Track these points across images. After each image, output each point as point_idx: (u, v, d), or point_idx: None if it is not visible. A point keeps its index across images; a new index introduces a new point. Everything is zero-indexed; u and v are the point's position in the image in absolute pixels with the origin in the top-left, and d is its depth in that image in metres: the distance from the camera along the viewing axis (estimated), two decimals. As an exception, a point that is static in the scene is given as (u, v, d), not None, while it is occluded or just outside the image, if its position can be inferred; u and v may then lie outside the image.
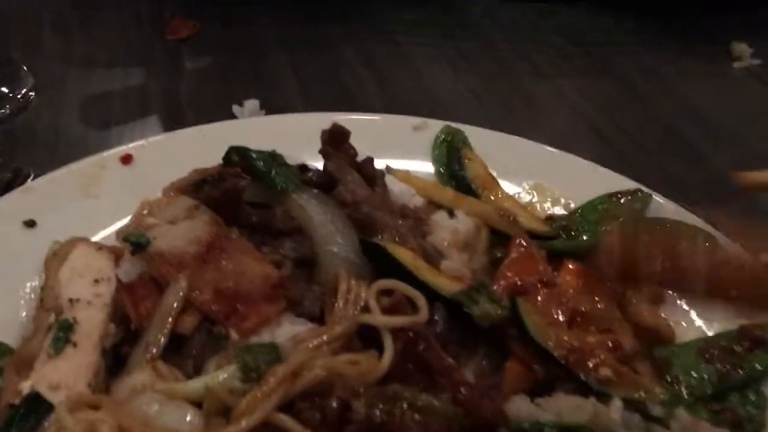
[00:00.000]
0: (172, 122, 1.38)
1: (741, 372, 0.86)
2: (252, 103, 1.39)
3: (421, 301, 0.79)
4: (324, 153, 0.96)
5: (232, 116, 1.38)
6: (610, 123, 1.47)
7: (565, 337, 0.83)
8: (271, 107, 1.41)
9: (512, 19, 1.83)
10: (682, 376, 0.85)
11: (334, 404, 0.66)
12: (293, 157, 1.07)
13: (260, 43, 1.66)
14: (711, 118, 1.50)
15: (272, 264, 0.88)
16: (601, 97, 1.55)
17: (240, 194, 0.93)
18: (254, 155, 0.97)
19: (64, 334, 0.78)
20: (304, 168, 0.98)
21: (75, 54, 1.56)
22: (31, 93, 1.42)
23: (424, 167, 1.14)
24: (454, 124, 1.18)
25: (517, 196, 1.09)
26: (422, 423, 0.65)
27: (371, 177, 0.98)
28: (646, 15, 1.85)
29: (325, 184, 0.96)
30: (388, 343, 0.74)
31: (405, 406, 0.66)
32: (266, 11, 1.75)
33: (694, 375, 0.85)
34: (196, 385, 0.71)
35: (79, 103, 1.42)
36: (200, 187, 1.00)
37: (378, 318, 0.76)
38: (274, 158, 0.96)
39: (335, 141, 0.96)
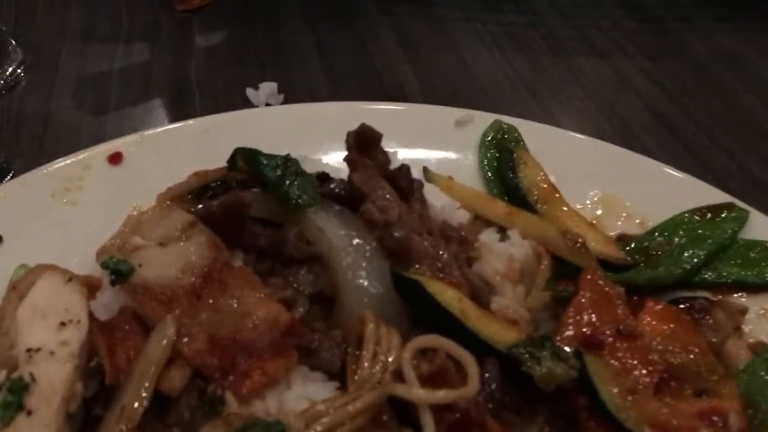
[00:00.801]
0: (179, 108, 1.21)
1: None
2: (269, 86, 1.21)
3: (471, 365, 0.62)
4: (350, 162, 0.77)
5: (246, 101, 1.21)
6: (682, 113, 1.26)
7: (653, 409, 0.65)
8: (290, 90, 1.23)
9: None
10: None
11: None
12: (312, 158, 0.89)
13: (281, 15, 1.47)
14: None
15: (283, 302, 0.71)
16: (670, 82, 1.34)
17: (245, 210, 0.75)
18: (264, 161, 0.78)
19: (16, 397, 0.61)
20: (324, 177, 0.80)
21: (71, 26, 1.39)
22: (19, 70, 1.26)
23: (469, 171, 0.95)
24: (505, 118, 0.99)
25: (580, 209, 0.91)
26: None
27: (407, 189, 0.79)
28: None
29: (350, 198, 0.77)
30: (429, 425, 0.56)
31: None
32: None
33: None
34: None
35: (74, 84, 1.25)
36: (202, 196, 0.83)
37: (415, 392, 0.58)
38: (288, 165, 0.78)
39: (364, 146, 0.78)
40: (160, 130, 0.96)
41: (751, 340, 0.77)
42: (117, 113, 1.20)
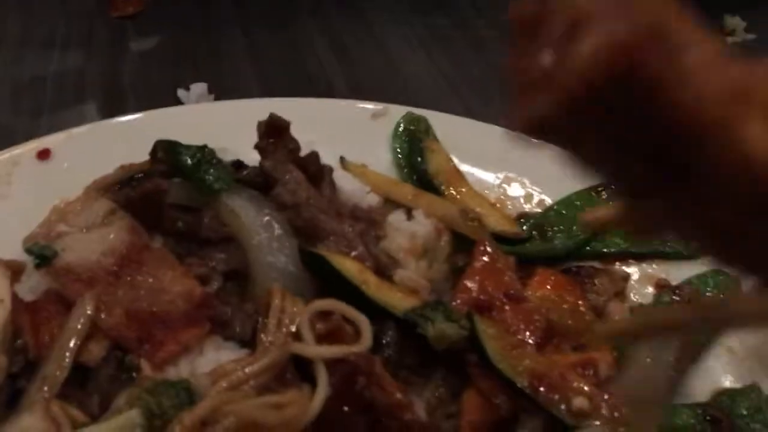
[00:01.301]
0: (112, 109, 1.25)
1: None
2: (199, 87, 1.26)
3: (364, 324, 0.68)
4: (260, 149, 0.84)
5: (178, 102, 1.26)
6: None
7: (533, 361, 0.71)
8: (221, 92, 1.29)
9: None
10: None
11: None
12: (235, 151, 0.95)
13: (216, 20, 1.52)
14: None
15: (198, 279, 0.76)
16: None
17: (162, 196, 0.81)
18: (181, 150, 0.84)
19: (-59, 368, 0.66)
20: (239, 165, 0.86)
21: (8, 31, 1.43)
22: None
23: (383, 160, 1.02)
24: (416, 110, 1.06)
25: (486, 192, 0.98)
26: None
27: (316, 174, 0.86)
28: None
29: (263, 183, 0.83)
30: (322, 380, 0.62)
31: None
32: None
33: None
34: (86, 436, 0.59)
35: (9, 88, 1.29)
36: (126, 186, 0.89)
37: (309, 348, 0.64)
38: (204, 154, 0.84)
39: (274, 134, 0.84)
40: (87, 126, 1.01)
41: (632, 304, 0.85)
42: (51, 116, 1.24)
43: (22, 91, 1.29)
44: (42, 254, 0.77)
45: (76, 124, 1.21)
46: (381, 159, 1.02)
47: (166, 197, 0.82)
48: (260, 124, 0.84)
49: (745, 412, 0.72)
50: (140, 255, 0.77)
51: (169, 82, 1.30)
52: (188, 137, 0.89)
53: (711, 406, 0.73)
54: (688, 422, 0.71)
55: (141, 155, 0.91)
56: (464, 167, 1.00)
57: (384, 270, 0.81)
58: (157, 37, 1.45)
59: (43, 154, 0.95)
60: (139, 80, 1.33)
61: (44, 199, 0.90)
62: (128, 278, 0.75)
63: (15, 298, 0.75)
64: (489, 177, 0.99)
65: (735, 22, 1.55)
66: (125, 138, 0.99)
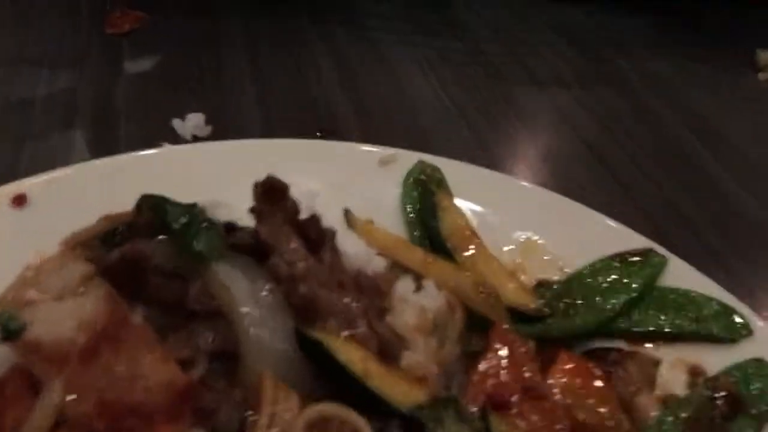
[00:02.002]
0: (103, 137, 1.18)
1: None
2: (195, 118, 1.18)
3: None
4: (257, 213, 0.75)
5: (172, 132, 1.17)
6: (613, 144, 1.27)
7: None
8: (220, 121, 1.20)
9: (503, 16, 1.62)
10: None
11: None
12: (225, 203, 0.87)
13: (216, 39, 1.44)
14: (731, 140, 1.29)
15: (180, 362, 0.68)
16: (603, 110, 1.34)
17: (145, 263, 0.72)
18: (169, 209, 0.76)
19: None
20: (232, 227, 0.78)
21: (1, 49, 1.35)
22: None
23: (391, 213, 0.93)
24: (428, 157, 0.98)
25: (503, 251, 0.89)
26: None
27: (317, 240, 0.77)
28: (658, 14, 1.64)
29: (258, 248, 0.75)
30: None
31: None
32: (226, 2, 1.53)
33: None
34: None
35: (-4, 111, 1.21)
36: (109, 241, 0.81)
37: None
38: (194, 214, 0.75)
39: (271, 196, 0.75)
40: (68, 170, 0.92)
41: (662, 393, 0.77)
42: (37, 143, 1.16)
43: (8, 115, 1.21)
44: (7, 327, 0.68)
45: (62, 153, 1.14)
46: (389, 210, 0.94)
47: (149, 262, 0.73)
48: (257, 186, 0.75)
49: (756, 387, 0.68)
50: (118, 331, 0.69)
51: (165, 107, 1.23)
52: (179, 183, 0.82)
53: (721, 380, 0.68)
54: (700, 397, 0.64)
55: (126, 200, 0.83)
56: (479, 224, 0.91)
57: (389, 350, 0.73)
58: (154, 56, 1.37)
59: (18, 200, 0.87)
60: (133, 105, 1.25)
61: (18, 252, 0.82)
62: (103, 360, 0.67)
63: (-25, 377, 0.67)
64: (507, 237, 0.91)
65: (767, 57, 1.46)
66: (110, 181, 0.91)
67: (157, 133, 1.16)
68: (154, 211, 0.77)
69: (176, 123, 1.18)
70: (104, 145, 1.15)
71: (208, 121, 1.19)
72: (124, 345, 0.68)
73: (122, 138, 1.18)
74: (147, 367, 0.67)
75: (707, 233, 1.08)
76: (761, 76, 1.45)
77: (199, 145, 1.08)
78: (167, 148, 1.02)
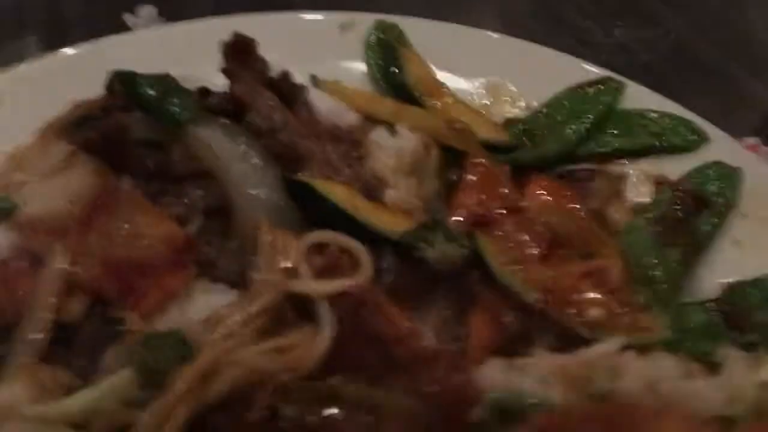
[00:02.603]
0: (54, 41, 1.15)
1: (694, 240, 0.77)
2: (147, 10, 1.17)
3: (362, 254, 0.64)
4: (228, 72, 0.77)
5: (126, 28, 1.16)
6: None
7: (540, 274, 0.68)
8: (172, 14, 1.19)
9: None
10: (650, 271, 0.72)
11: (258, 414, 0.50)
12: (197, 77, 0.87)
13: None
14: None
15: (176, 219, 0.71)
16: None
17: (124, 134, 0.74)
18: (141, 81, 0.77)
19: None
20: (205, 92, 0.79)
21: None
22: None
23: (358, 75, 0.95)
24: (386, 17, 0.99)
25: (468, 99, 0.92)
26: (374, 427, 0.50)
27: (290, 95, 0.79)
28: None
29: (233, 110, 0.77)
30: (325, 317, 0.58)
31: (348, 406, 0.51)
32: None
33: (656, 262, 0.73)
34: (77, 402, 0.55)
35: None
36: (84, 126, 0.81)
37: (309, 285, 0.60)
38: (166, 83, 0.77)
39: (240, 55, 0.77)
40: (32, 63, 0.92)
41: (631, 204, 0.82)
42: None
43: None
44: (1, 208, 0.70)
45: (16, 59, 1.12)
46: (354, 74, 0.95)
47: (129, 134, 0.75)
48: (225, 45, 0.77)
49: (756, 305, 0.70)
50: (110, 199, 0.71)
51: (113, 6, 1.20)
52: (143, 66, 0.82)
53: (722, 300, 0.71)
54: (700, 320, 0.70)
55: (93, 90, 0.84)
56: (443, 75, 0.94)
57: (372, 192, 0.76)
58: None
59: (-12, 97, 0.86)
60: (81, 7, 1.22)
61: (-4, 147, 0.83)
62: (100, 226, 0.69)
63: (-22, 257, 0.69)
64: (470, 84, 0.94)
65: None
66: (74, 72, 0.91)
67: (110, 30, 1.15)
68: (125, 86, 0.78)
69: (128, 18, 1.16)
70: (56, 46, 1.13)
71: (161, 13, 1.17)
72: (118, 210, 0.70)
73: (74, 41, 1.16)
74: (144, 226, 0.69)
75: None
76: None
77: (158, 29, 1.07)
78: (127, 35, 1.01)
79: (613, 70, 0.94)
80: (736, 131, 0.91)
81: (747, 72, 1.11)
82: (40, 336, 0.62)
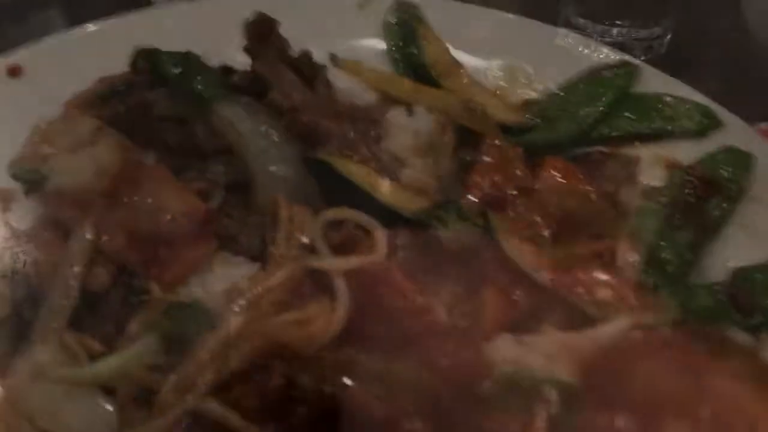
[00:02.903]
0: (77, 15, 1.17)
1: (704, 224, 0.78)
2: (169, -14, 1.18)
3: (378, 231, 0.66)
4: (250, 51, 0.79)
5: (148, 3, 1.18)
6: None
7: (550, 255, 0.70)
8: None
9: None
10: (662, 253, 0.74)
11: (275, 384, 0.53)
12: (219, 55, 0.89)
13: None
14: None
15: (198, 193, 0.73)
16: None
17: (149, 110, 0.76)
18: (164, 58, 0.79)
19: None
20: (227, 70, 0.81)
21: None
22: None
23: (377, 54, 0.96)
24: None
25: (485, 80, 0.93)
26: (387, 398, 0.53)
27: (310, 75, 0.81)
28: None
29: (256, 88, 0.79)
30: (342, 292, 0.60)
31: (362, 377, 0.53)
32: None
33: (665, 245, 0.74)
34: (105, 366, 0.58)
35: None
36: (109, 101, 0.84)
37: (326, 261, 0.62)
38: (189, 60, 0.79)
39: (261, 34, 0.78)
40: (57, 37, 0.94)
41: (643, 187, 0.83)
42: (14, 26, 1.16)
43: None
44: (30, 179, 0.73)
45: (41, 35, 1.15)
46: (372, 53, 0.97)
47: (153, 110, 0.77)
48: (247, 25, 0.78)
49: (763, 289, 0.72)
50: (135, 173, 0.73)
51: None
52: (166, 43, 0.84)
53: (729, 284, 0.73)
54: (707, 302, 0.71)
55: (116, 65, 0.86)
56: (461, 56, 0.95)
57: (388, 171, 0.78)
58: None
59: (14, 71, 0.89)
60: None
61: (21, 119, 0.85)
62: (126, 199, 0.72)
63: (8, 226, 0.71)
64: (488, 65, 0.95)
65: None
66: (98, 48, 0.93)
67: (133, 5, 1.16)
68: (149, 63, 0.80)
69: (150, -7, 1.18)
70: (81, 21, 1.15)
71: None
72: (142, 184, 0.73)
73: (98, 14, 1.18)
74: (167, 200, 0.72)
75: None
76: None
77: (180, 5, 1.09)
78: (150, 11, 1.03)
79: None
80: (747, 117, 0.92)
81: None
82: (67, 302, 0.65)
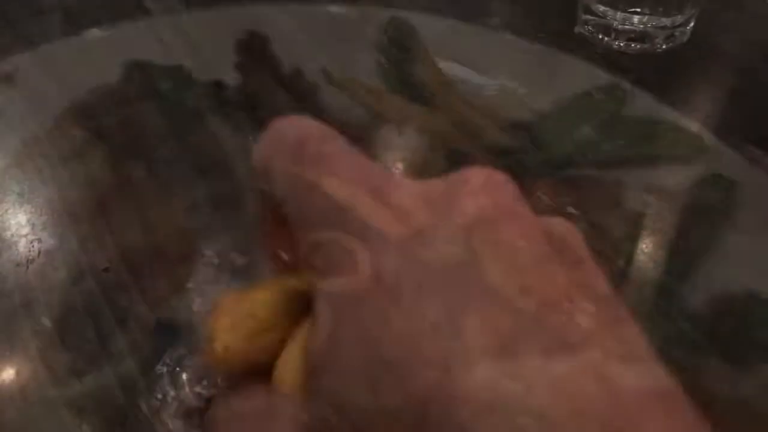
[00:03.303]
0: (75, 22, 1.18)
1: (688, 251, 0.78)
2: (167, -6, 1.18)
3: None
4: (241, 68, 0.79)
5: (145, 11, 1.18)
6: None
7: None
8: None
9: None
10: (642, 281, 0.75)
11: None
12: (211, 68, 0.90)
13: None
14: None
15: (185, 210, 0.73)
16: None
17: (140, 123, 0.76)
18: (156, 71, 0.79)
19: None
20: (219, 85, 0.81)
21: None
22: None
23: (370, 71, 0.97)
24: (401, 13, 1.01)
25: (477, 100, 0.94)
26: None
27: (301, 93, 0.81)
28: None
29: (246, 104, 0.79)
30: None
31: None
32: None
33: (648, 272, 0.74)
34: (86, 386, 0.58)
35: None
36: (101, 111, 0.84)
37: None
38: (180, 75, 0.79)
39: (253, 51, 0.79)
40: (50, 45, 0.94)
41: (628, 213, 0.84)
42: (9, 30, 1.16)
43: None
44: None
45: (36, 42, 1.15)
46: (365, 69, 0.97)
47: (143, 123, 0.77)
48: (239, 42, 0.79)
49: (744, 318, 0.72)
50: (122, 188, 0.74)
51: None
52: (160, 55, 0.84)
53: (711, 313, 0.73)
54: (688, 331, 0.72)
55: (109, 75, 0.86)
56: (453, 75, 0.95)
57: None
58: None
59: (8, 77, 0.89)
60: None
61: (11, 127, 0.85)
62: (112, 213, 0.72)
63: (-5, 239, 0.72)
64: (481, 85, 0.95)
65: None
66: (93, 56, 0.93)
67: (127, 13, 1.17)
68: (141, 76, 0.81)
69: (148, 1, 1.18)
70: (76, 28, 1.15)
71: (179, -3, 1.19)
72: (130, 198, 0.73)
73: (96, 18, 1.18)
74: (155, 216, 0.72)
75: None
76: None
77: (178, 15, 1.09)
78: (145, 21, 1.03)
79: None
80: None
81: None
82: (50, 320, 0.65)
